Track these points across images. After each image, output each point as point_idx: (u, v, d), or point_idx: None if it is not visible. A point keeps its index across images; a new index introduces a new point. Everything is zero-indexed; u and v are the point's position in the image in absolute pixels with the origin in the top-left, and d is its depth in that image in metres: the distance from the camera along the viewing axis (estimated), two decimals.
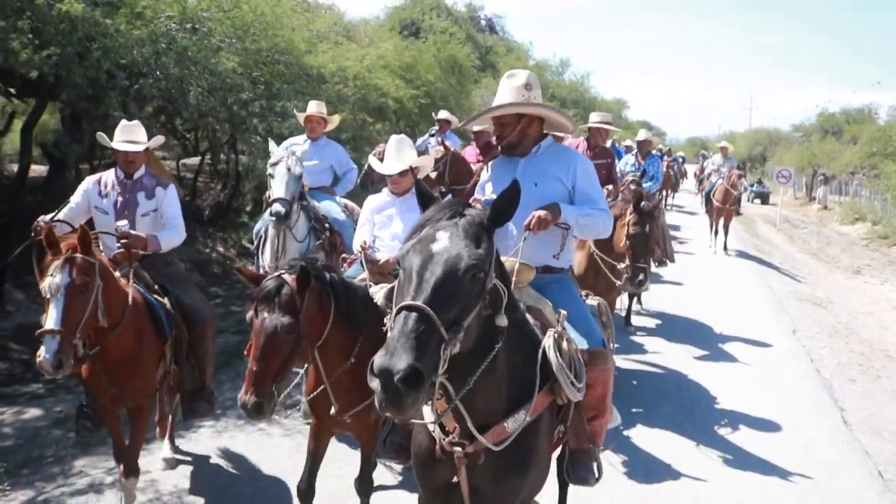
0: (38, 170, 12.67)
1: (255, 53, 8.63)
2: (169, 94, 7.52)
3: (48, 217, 4.42)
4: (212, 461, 5.56)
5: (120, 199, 4.70)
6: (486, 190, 3.74)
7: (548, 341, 2.98)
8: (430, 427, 2.88)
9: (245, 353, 3.29)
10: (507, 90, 3.57)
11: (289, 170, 6.15)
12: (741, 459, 5.80)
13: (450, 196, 7.22)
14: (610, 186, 8.08)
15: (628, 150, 14.29)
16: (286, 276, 3.33)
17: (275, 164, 6.18)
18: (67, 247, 3.75)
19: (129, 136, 4.74)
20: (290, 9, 10.41)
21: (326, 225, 6.89)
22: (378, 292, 3.92)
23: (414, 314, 2.24)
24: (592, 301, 4.13)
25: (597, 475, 3.52)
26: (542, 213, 3.32)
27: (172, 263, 4.96)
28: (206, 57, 7.62)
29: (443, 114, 10.97)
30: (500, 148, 3.70)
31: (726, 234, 17.14)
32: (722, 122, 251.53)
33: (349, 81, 10.93)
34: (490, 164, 3.96)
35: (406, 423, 3.34)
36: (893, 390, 8.42)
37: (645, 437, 6.21)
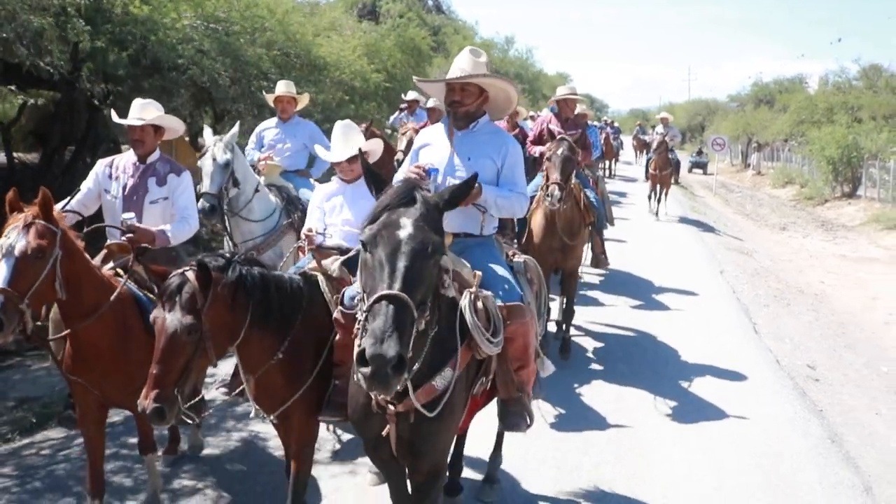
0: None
1: (272, 46, 10.03)
2: (204, 83, 8.85)
3: (59, 206, 4.09)
4: (232, 452, 5.36)
5: (130, 182, 4.53)
6: (421, 156, 3.85)
7: (464, 301, 3.15)
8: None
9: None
10: (473, 63, 3.68)
11: (214, 160, 5.91)
12: (673, 369, 7.45)
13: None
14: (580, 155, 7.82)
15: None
16: (189, 273, 3.12)
17: (202, 156, 5.99)
18: (30, 212, 3.51)
19: (140, 113, 4.59)
20: (292, 7, 11.78)
21: (299, 206, 6.68)
22: (332, 264, 4.02)
23: (393, 304, 2.46)
24: (519, 259, 4.22)
25: (528, 422, 3.75)
26: (451, 186, 3.35)
27: (177, 259, 4.52)
28: (240, 48, 8.99)
29: (411, 94, 11.95)
30: (454, 114, 3.74)
31: (665, 199, 18.44)
32: (662, 95, 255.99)
33: (345, 69, 12.39)
34: (424, 130, 4.20)
35: (345, 385, 3.52)
36: (798, 313, 10.31)
37: (591, 385, 6.77)
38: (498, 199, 3.59)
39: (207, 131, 6.35)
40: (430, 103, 10.11)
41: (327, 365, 3.71)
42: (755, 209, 26.08)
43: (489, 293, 3.35)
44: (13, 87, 11.33)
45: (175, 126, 4.90)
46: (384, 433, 3.09)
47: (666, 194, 18.48)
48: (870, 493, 4.90)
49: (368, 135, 8.04)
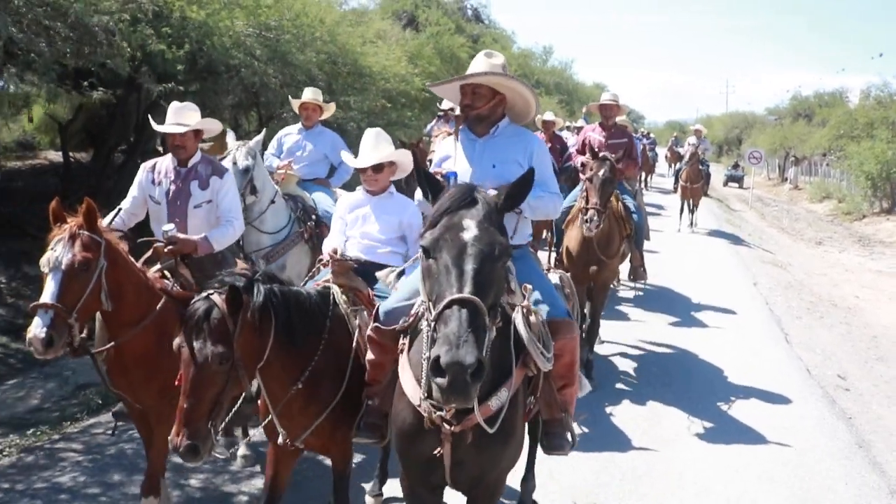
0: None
1: (321, 53, 10.45)
2: (254, 84, 9.25)
3: (104, 222, 4.03)
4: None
5: (173, 187, 4.45)
6: (444, 166, 3.70)
7: (517, 316, 2.98)
8: (416, 403, 2.88)
9: (176, 383, 2.92)
10: (487, 65, 3.58)
11: (234, 164, 5.81)
12: (703, 378, 7.65)
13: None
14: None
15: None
16: (215, 297, 2.90)
17: (222, 159, 5.83)
18: (75, 223, 3.50)
19: (179, 118, 4.44)
20: (340, 17, 12.21)
21: (313, 216, 6.61)
22: (389, 275, 3.88)
23: (466, 308, 2.34)
24: (554, 275, 4.17)
25: (571, 443, 3.58)
26: (505, 186, 3.27)
27: (223, 263, 4.39)
28: (290, 54, 9.41)
29: (446, 103, 11.70)
30: (468, 118, 3.68)
31: (696, 211, 18.30)
32: (700, 107, 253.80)
33: (389, 77, 12.79)
34: (444, 140, 4.08)
35: (381, 404, 3.46)
36: (831, 325, 10.40)
37: (620, 399, 6.68)
38: (531, 199, 3.25)
39: (231, 135, 6.29)
40: (458, 111, 10.10)
41: (353, 383, 3.54)
42: (791, 223, 25.94)
43: (538, 308, 3.24)
44: (71, 89, 11.87)
45: (213, 128, 4.84)
46: (436, 453, 2.88)
47: (696, 206, 18.39)
48: (894, 496, 5.06)
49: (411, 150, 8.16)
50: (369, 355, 3.54)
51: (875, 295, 13.73)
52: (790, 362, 7.97)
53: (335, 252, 3.99)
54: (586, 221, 6.53)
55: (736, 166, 41.69)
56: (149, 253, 4.24)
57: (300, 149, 7.14)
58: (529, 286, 3.13)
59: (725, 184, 38.79)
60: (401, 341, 3.26)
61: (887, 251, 20.31)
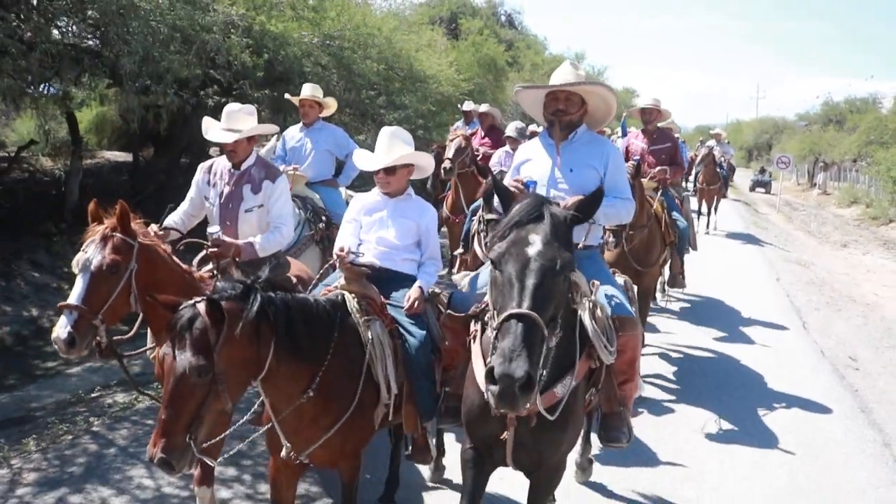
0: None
1: (380, 60, 11.54)
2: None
3: (155, 227, 4.06)
4: None
5: (226, 190, 4.42)
6: (522, 171, 3.89)
7: (584, 310, 3.12)
8: (484, 388, 2.85)
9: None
10: (574, 74, 3.75)
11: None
12: (721, 356, 8.51)
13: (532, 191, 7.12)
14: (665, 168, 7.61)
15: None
16: (200, 306, 2.77)
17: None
18: (108, 225, 3.52)
19: (231, 123, 4.40)
20: (395, 26, 13.27)
21: (323, 217, 6.51)
22: (463, 279, 4.05)
23: (523, 323, 2.51)
24: (619, 278, 4.22)
25: (628, 436, 3.74)
26: (576, 199, 3.41)
27: (277, 267, 4.30)
28: (353, 61, 10.48)
29: (468, 105, 12.15)
30: (559, 123, 3.78)
31: (715, 213, 18.74)
32: (730, 111, 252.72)
33: (441, 81, 13.85)
34: (523, 146, 4.26)
35: (458, 389, 3.57)
36: (848, 318, 11.15)
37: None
38: (605, 208, 3.42)
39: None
40: (483, 108, 10.32)
41: (366, 396, 3.49)
42: (818, 227, 26.46)
43: (604, 303, 3.41)
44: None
45: (268, 131, 4.89)
46: (502, 437, 3.08)
47: (716, 209, 18.80)
48: (889, 448, 5.91)
49: (433, 153, 8.49)
50: (445, 343, 3.80)
51: (894, 293, 14.40)
52: (806, 345, 8.81)
53: (342, 250, 3.82)
54: (605, 243, 6.26)
55: (763, 171, 42.00)
56: (203, 253, 4.27)
57: (302, 147, 6.94)
58: (597, 282, 3.32)
59: (752, 189, 39.25)
60: (472, 327, 3.44)
61: None
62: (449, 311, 3.76)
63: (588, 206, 2.98)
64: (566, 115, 3.74)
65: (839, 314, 11.31)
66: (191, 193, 4.54)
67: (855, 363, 8.48)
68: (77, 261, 3.46)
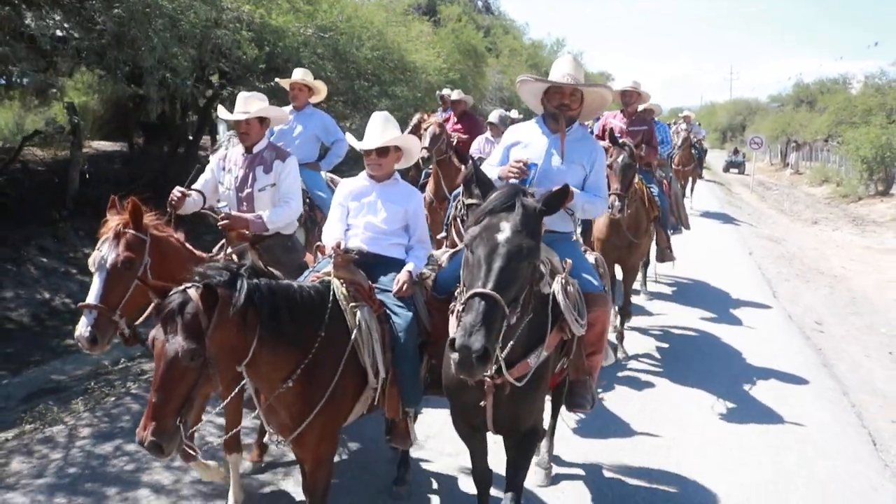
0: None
1: (373, 50, 12.07)
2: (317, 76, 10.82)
3: (181, 188, 4.35)
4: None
5: (241, 173, 4.60)
6: (512, 154, 4.01)
7: (556, 286, 3.42)
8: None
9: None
10: (574, 66, 4.02)
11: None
12: (698, 321, 9.19)
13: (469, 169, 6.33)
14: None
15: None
16: (191, 292, 2.82)
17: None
18: (120, 221, 3.62)
19: (245, 106, 4.60)
20: (386, 18, 13.77)
21: (307, 200, 6.49)
22: (442, 255, 4.31)
23: (485, 301, 2.74)
24: (590, 256, 4.42)
25: (592, 403, 4.01)
26: (546, 193, 3.56)
27: (292, 250, 4.68)
28: (347, 52, 11.00)
29: (446, 91, 12.10)
30: (565, 117, 3.95)
31: (691, 194, 19.36)
32: (704, 94, 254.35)
33: (431, 71, 14.39)
34: (514, 129, 4.30)
35: (441, 363, 3.77)
36: (816, 288, 11.91)
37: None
38: (585, 203, 3.84)
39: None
40: (455, 95, 10.34)
41: (345, 380, 3.53)
42: (791, 206, 27.34)
43: (576, 280, 3.66)
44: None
45: (280, 115, 5.08)
46: (482, 404, 3.34)
47: (692, 189, 19.49)
48: (846, 395, 6.61)
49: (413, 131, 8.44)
50: (430, 319, 4.01)
51: (861, 266, 15.18)
52: (775, 311, 9.54)
53: (339, 246, 3.83)
54: (609, 207, 6.53)
55: (736, 152, 42.84)
56: (223, 241, 4.52)
57: (291, 130, 7.01)
58: (570, 260, 3.58)
59: (726, 170, 40.16)
60: (451, 304, 3.60)
61: (878, 230, 21.70)
62: (433, 292, 4.01)
63: (555, 201, 3.17)
64: (570, 110, 3.95)
65: (807, 285, 12.06)
66: (206, 175, 4.69)
67: (820, 327, 9.20)
68: (93, 260, 3.57)
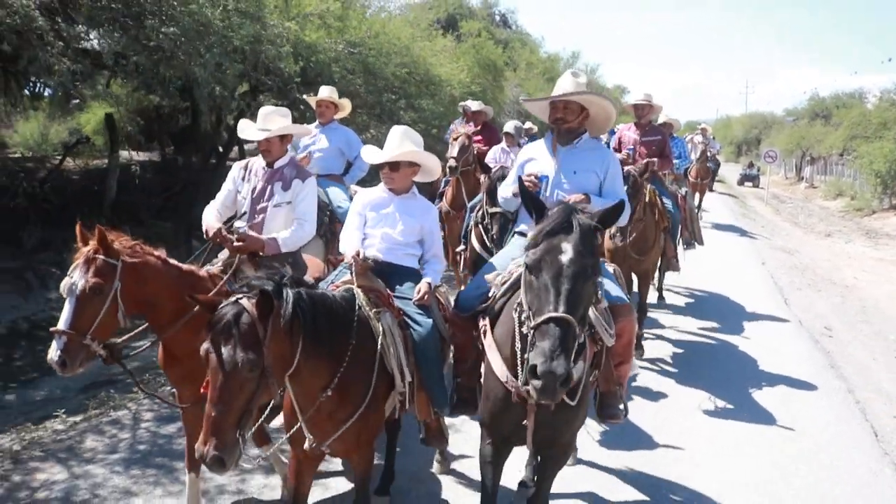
0: None
1: (401, 66, 12.63)
2: (344, 94, 11.36)
3: (215, 222, 4.48)
4: None
5: (259, 186, 4.61)
6: (526, 169, 4.18)
7: None
8: (504, 379, 3.34)
9: (202, 390, 2.92)
10: (574, 84, 4.08)
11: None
12: (712, 327, 9.61)
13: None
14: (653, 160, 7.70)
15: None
16: (244, 302, 2.86)
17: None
18: (91, 248, 3.62)
19: (265, 123, 4.62)
20: (411, 34, 14.34)
21: (327, 212, 6.64)
22: (495, 279, 3.93)
23: (560, 327, 2.76)
24: (609, 266, 4.41)
25: (624, 412, 4.04)
26: (579, 196, 3.89)
27: (293, 266, 4.56)
28: (377, 67, 11.57)
29: (471, 103, 12.08)
30: (559, 130, 4.14)
31: (700, 207, 19.35)
32: (719, 107, 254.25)
33: (455, 85, 14.95)
34: (527, 147, 4.51)
35: (469, 380, 3.97)
36: (827, 297, 12.29)
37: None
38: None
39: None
40: (475, 107, 10.61)
41: (378, 387, 3.59)
42: (805, 219, 27.64)
43: (601, 293, 3.54)
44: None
45: (301, 131, 5.20)
46: (524, 423, 3.31)
47: (702, 201, 19.68)
48: (852, 393, 7.01)
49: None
50: (453, 338, 4.10)
51: (873, 277, 15.51)
52: (787, 316, 9.94)
53: (358, 255, 3.90)
54: (611, 237, 6.94)
55: (751, 165, 43.13)
56: (225, 252, 4.47)
57: (316, 144, 7.24)
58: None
59: (740, 183, 40.44)
60: (481, 323, 3.74)
61: (891, 242, 21.96)
62: (456, 310, 4.05)
63: (610, 216, 3.20)
64: (565, 122, 4.11)
65: (819, 294, 12.44)
66: (227, 186, 4.73)
67: (829, 332, 9.59)
68: (63, 285, 3.59)
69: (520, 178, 3.65)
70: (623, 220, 4.11)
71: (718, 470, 5.31)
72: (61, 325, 3.52)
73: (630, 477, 5.17)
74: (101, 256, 3.58)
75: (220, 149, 14.79)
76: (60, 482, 4.81)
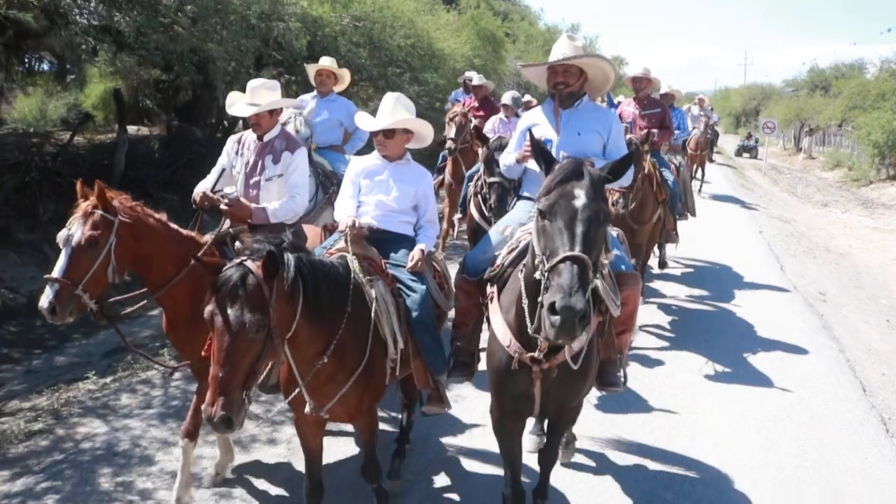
0: None
1: (405, 39, 12.86)
2: (351, 66, 11.58)
3: (204, 188, 4.53)
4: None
5: (251, 159, 4.64)
6: (533, 132, 3.85)
7: None
8: (506, 345, 3.37)
9: (204, 353, 2.94)
10: (571, 47, 4.08)
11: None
12: (711, 290, 9.94)
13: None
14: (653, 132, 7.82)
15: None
16: (249, 263, 2.88)
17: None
18: (90, 203, 3.71)
19: (253, 97, 4.62)
20: (414, 8, 14.52)
21: (334, 181, 6.76)
22: (507, 230, 4.00)
23: (577, 264, 2.77)
24: (613, 231, 4.34)
25: (623, 381, 4.06)
26: (609, 162, 3.58)
27: (294, 235, 4.46)
28: (381, 40, 11.80)
29: (469, 75, 12.24)
30: (560, 95, 4.15)
31: (702, 177, 19.99)
32: (718, 78, 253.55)
33: (458, 59, 15.16)
34: (528, 113, 4.51)
35: (468, 344, 4.00)
36: (822, 264, 12.63)
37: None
38: None
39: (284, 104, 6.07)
40: (476, 80, 10.71)
41: (374, 352, 3.64)
42: (803, 189, 27.91)
43: (607, 262, 3.57)
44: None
45: (288, 104, 5.17)
46: (532, 390, 3.36)
47: (703, 172, 20.05)
48: (843, 353, 7.35)
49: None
50: (456, 302, 4.13)
51: (867, 245, 15.88)
52: (782, 281, 10.28)
53: (353, 223, 3.95)
54: (613, 204, 6.84)
55: (749, 136, 43.18)
56: (226, 224, 4.44)
57: (316, 115, 7.21)
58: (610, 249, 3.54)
59: (738, 154, 40.57)
60: (488, 289, 3.75)
61: (887, 212, 22.29)
62: (463, 275, 4.03)
63: (619, 168, 3.22)
64: (567, 86, 4.13)
65: (814, 261, 12.78)
66: (221, 160, 4.77)
67: (823, 297, 9.93)
68: (60, 236, 3.68)
69: (530, 131, 3.63)
70: (627, 179, 3.98)
71: (715, 419, 5.66)
72: (55, 273, 3.61)
73: (626, 444, 5.25)
74: (100, 211, 3.68)
75: (226, 123, 14.97)
76: (102, 434, 5.16)
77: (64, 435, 5.16)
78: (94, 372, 6.49)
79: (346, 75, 7.75)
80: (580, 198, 2.94)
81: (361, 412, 3.72)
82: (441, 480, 4.73)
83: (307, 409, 3.48)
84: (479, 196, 7.49)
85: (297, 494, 4.19)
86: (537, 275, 2.96)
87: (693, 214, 10.49)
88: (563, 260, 2.78)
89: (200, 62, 8.55)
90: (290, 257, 3.05)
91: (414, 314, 3.89)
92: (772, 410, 5.85)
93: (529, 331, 3.11)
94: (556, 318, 2.68)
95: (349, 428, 5.09)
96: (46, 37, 7.18)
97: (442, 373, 4.06)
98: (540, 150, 3.38)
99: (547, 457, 4.02)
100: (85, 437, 5.14)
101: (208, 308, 2.82)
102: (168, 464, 4.75)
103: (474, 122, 9.71)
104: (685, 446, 5.22)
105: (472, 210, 7.72)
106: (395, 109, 4.18)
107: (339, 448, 5.03)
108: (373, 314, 3.61)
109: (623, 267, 3.88)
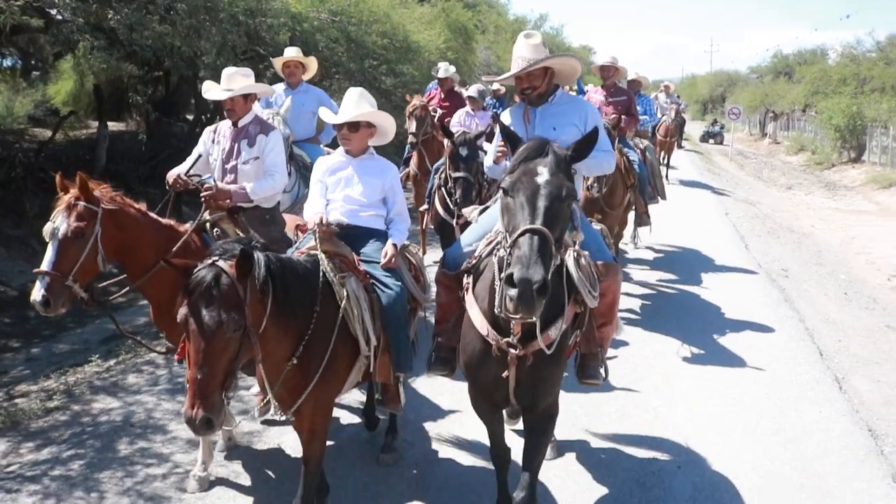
0: None
1: (382, 34, 13.19)
2: (328, 60, 11.85)
3: (178, 171, 4.65)
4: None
5: (227, 146, 4.72)
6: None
7: (569, 258, 3.38)
8: (484, 333, 3.34)
9: (177, 357, 2.96)
10: (530, 48, 3.96)
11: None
12: (679, 269, 10.44)
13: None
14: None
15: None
16: (221, 263, 2.89)
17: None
18: (72, 195, 3.76)
19: (229, 83, 4.71)
20: (389, 3, 14.84)
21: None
22: (473, 212, 4.27)
23: (537, 236, 2.78)
24: (596, 226, 4.48)
25: (603, 375, 4.08)
26: (575, 142, 3.54)
27: (270, 223, 4.80)
28: (358, 35, 12.13)
29: (443, 71, 11.89)
30: (529, 98, 4.08)
31: (667, 163, 20.09)
32: (685, 66, 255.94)
33: (433, 51, 15.53)
34: (505, 112, 4.38)
35: (449, 340, 3.91)
36: (785, 243, 13.20)
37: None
38: (589, 160, 3.51)
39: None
40: (442, 73, 10.59)
41: (337, 351, 3.61)
42: (768, 174, 28.66)
43: (587, 252, 3.61)
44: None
45: (262, 90, 5.18)
46: (504, 375, 3.33)
47: (669, 158, 20.29)
48: (803, 322, 7.89)
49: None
50: (437, 297, 4.06)
51: (828, 225, 16.50)
52: (747, 260, 10.82)
53: (321, 221, 3.90)
54: (587, 188, 7.09)
55: (715, 122, 43.99)
56: (206, 211, 4.51)
57: (294, 110, 7.22)
58: (581, 234, 3.59)
59: (704, 140, 41.35)
60: (465, 280, 3.73)
61: (848, 194, 23.08)
62: (443, 269, 3.98)
63: (584, 147, 3.22)
64: (534, 89, 4.02)
65: (778, 241, 13.36)
66: (197, 149, 4.85)
67: (786, 273, 10.47)
68: (46, 230, 3.74)
69: (495, 115, 3.60)
70: (607, 169, 4.18)
71: (687, 385, 6.14)
72: (45, 266, 3.68)
73: (602, 432, 5.29)
74: (83, 202, 3.75)
75: (204, 118, 15.21)
76: (117, 409, 5.52)
77: (80, 410, 5.50)
78: (97, 356, 6.80)
79: (312, 63, 7.73)
80: (542, 174, 2.98)
81: (315, 408, 3.64)
82: (428, 466, 4.79)
83: (270, 413, 3.57)
84: (444, 190, 7.55)
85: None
86: (501, 252, 3.02)
87: (664, 198, 10.76)
88: (522, 233, 2.81)
89: (189, 58, 8.83)
90: (259, 256, 3.05)
91: (387, 310, 3.93)
92: (738, 375, 6.35)
93: (496, 311, 3.08)
94: (514, 291, 2.68)
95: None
96: (45, 34, 7.42)
97: (405, 371, 4.13)
98: (508, 135, 3.41)
99: (531, 459, 3.72)
100: (101, 411, 5.49)
101: (182, 311, 2.82)
102: (182, 431, 5.10)
103: (438, 112, 9.76)
104: (660, 409, 5.68)
105: (437, 205, 7.75)
106: (359, 103, 4.22)
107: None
108: (341, 312, 3.62)
109: (602, 257, 3.90)
